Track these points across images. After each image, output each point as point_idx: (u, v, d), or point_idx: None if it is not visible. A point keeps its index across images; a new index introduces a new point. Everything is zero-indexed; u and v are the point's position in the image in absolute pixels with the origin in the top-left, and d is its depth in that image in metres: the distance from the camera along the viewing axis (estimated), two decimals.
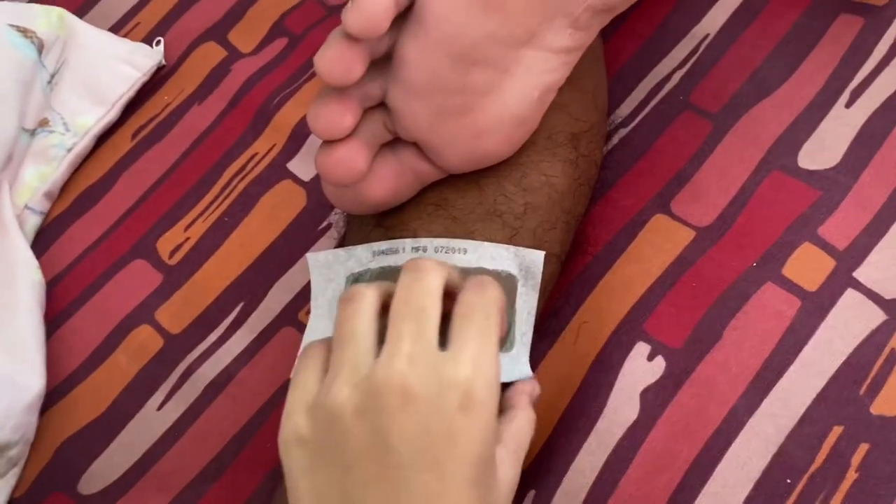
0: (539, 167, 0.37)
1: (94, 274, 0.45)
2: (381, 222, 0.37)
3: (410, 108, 0.32)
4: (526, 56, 0.33)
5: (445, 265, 0.30)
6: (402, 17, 0.31)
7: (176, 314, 0.44)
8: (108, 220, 0.47)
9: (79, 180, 0.48)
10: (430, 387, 0.27)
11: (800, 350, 0.38)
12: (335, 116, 0.31)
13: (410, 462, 0.27)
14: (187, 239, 0.46)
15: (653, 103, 0.45)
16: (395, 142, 0.35)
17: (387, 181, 0.35)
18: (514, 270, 0.35)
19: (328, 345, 0.30)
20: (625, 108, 0.45)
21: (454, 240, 0.35)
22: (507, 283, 0.35)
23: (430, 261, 0.30)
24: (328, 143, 0.33)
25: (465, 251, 0.35)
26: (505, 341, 0.35)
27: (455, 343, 0.28)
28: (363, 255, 0.36)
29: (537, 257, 0.35)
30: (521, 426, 0.32)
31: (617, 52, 0.47)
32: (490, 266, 0.35)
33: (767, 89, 0.45)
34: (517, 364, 0.35)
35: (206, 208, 0.47)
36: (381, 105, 0.34)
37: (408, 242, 0.35)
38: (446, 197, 0.36)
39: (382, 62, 0.32)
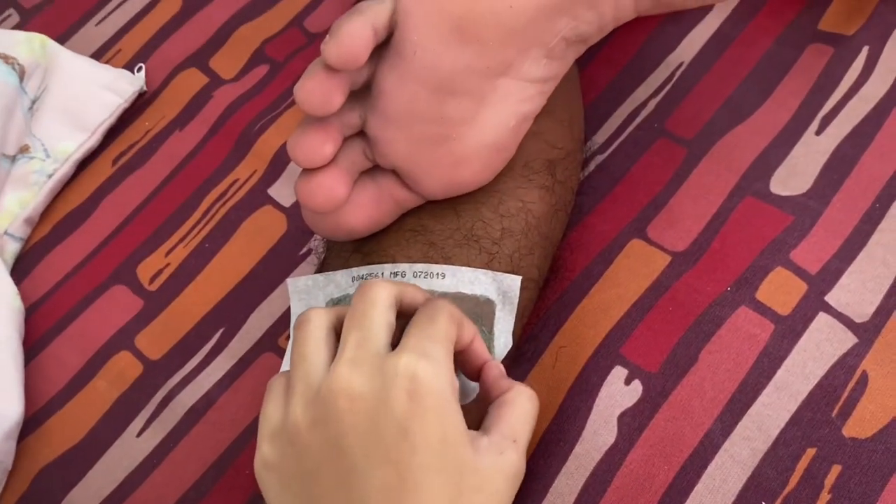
0: (516, 193, 0.37)
1: (74, 300, 0.45)
2: (360, 248, 0.37)
3: (389, 136, 0.33)
4: (502, 86, 0.33)
5: (398, 283, 0.31)
6: (381, 49, 0.32)
7: (156, 340, 0.44)
8: (89, 246, 0.47)
9: (59, 206, 0.48)
10: (374, 384, 0.28)
11: (773, 373, 0.38)
12: (315, 145, 0.32)
13: (365, 460, 0.27)
14: (168, 265, 0.46)
15: (628, 130, 0.46)
16: (374, 169, 0.35)
17: (366, 208, 0.35)
18: (492, 295, 0.36)
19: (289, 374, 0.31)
20: (601, 135, 0.46)
21: (433, 265, 0.35)
22: (485, 308, 0.36)
23: (379, 279, 0.31)
24: (308, 170, 0.33)
25: (444, 276, 0.35)
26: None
27: (400, 343, 0.29)
28: (342, 281, 0.37)
29: (514, 282, 0.36)
30: (515, 410, 0.31)
31: (592, 80, 0.48)
32: (468, 290, 0.36)
33: (741, 116, 0.46)
34: None
35: (187, 234, 0.47)
36: (361, 133, 0.34)
37: (386, 267, 0.36)
38: (424, 223, 0.36)
39: (362, 91, 0.33)
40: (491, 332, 0.36)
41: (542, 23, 0.32)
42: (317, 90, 0.30)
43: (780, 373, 0.38)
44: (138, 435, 0.41)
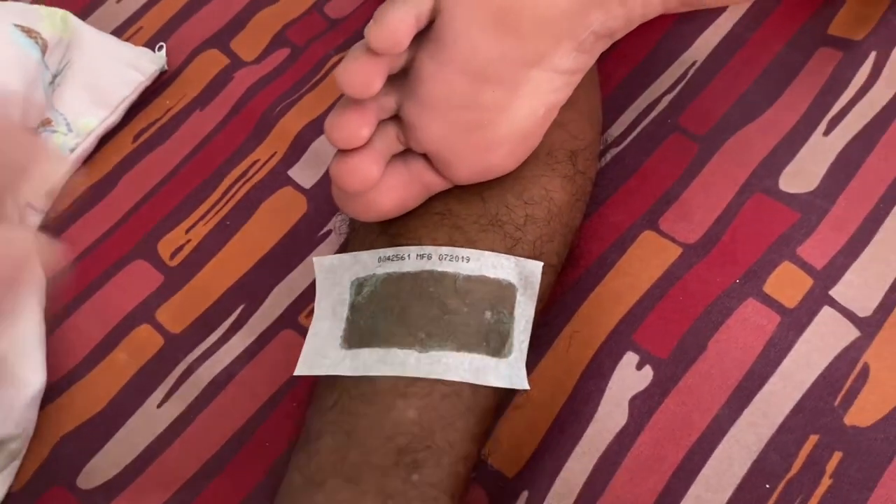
0: (539, 182, 0.38)
1: (95, 273, 0.46)
2: (387, 229, 0.38)
3: (424, 121, 0.34)
4: (534, 76, 0.34)
5: None
6: (421, 36, 0.33)
7: (176, 314, 0.44)
8: (110, 221, 0.48)
9: (81, 180, 0.49)
10: None
11: (779, 363, 0.40)
12: (353, 127, 0.33)
13: None
14: (188, 241, 0.47)
15: (643, 125, 0.47)
16: (405, 153, 0.36)
17: (396, 190, 0.36)
18: (513, 279, 0.37)
19: None
20: (616, 129, 0.47)
21: (458, 248, 0.36)
22: (507, 292, 0.37)
23: None
24: (343, 152, 0.34)
25: (469, 259, 0.37)
26: (503, 347, 0.36)
27: None
28: (369, 261, 0.38)
29: (536, 268, 0.37)
30: None
31: (609, 76, 0.49)
32: (491, 274, 0.37)
33: (752, 115, 0.47)
34: (514, 369, 0.36)
35: (208, 212, 0.47)
36: (395, 117, 0.35)
37: (413, 249, 0.37)
38: (451, 207, 0.37)
39: (398, 77, 0.34)
40: (511, 315, 0.37)
41: (577, 16, 0.33)
42: (359, 73, 0.31)
43: (785, 362, 0.40)
44: (159, 406, 0.42)
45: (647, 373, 0.40)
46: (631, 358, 0.40)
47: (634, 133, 0.47)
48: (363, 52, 0.31)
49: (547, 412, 0.39)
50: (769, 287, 0.42)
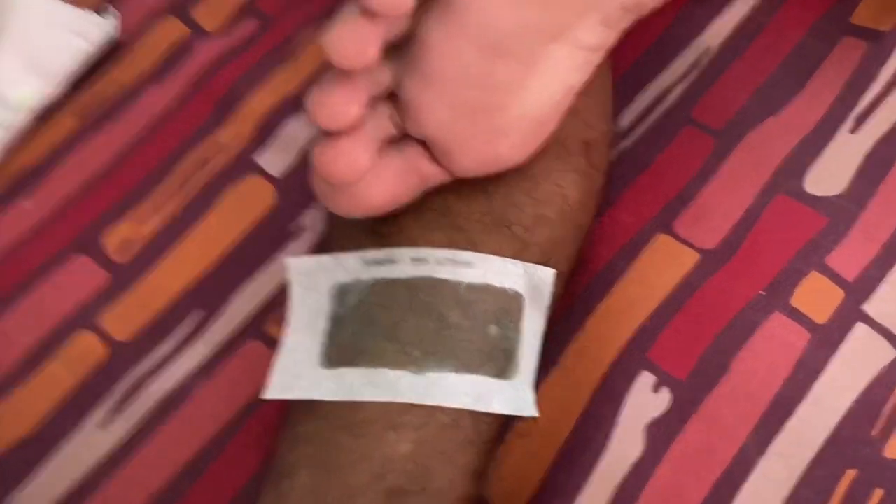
0: (551, 176, 0.34)
1: (27, 269, 0.40)
2: (376, 228, 0.33)
3: (426, 100, 0.29)
4: (554, 52, 0.29)
5: None
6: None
7: (123, 320, 0.38)
8: (47, 208, 0.41)
9: (14, 161, 0.42)
10: None
11: (810, 385, 0.36)
12: (341, 104, 0.27)
13: None
14: (139, 234, 0.41)
15: (654, 116, 0.43)
16: (399, 138, 0.31)
17: (388, 182, 0.31)
18: (521, 289, 0.32)
19: None
20: (625, 119, 0.43)
21: (459, 252, 0.31)
22: (513, 303, 0.32)
23: None
24: (328, 134, 0.29)
25: (471, 264, 0.31)
26: (509, 367, 0.31)
27: None
28: (353, 265, 0.32)
29: (547, 275, 0.32)
30: None
31: (617, 60, 0.44)
32: (496, 283, 0.32)
33: (772, 108, 0.43)
34: (519, 393, 0.31)
35: (162, 201, 0.42)
36: (390, 96, 0.30)
37: (406, 252, 0.32)
38: (450, 204, 0.32)
39: (397, 48, 0.29)
40: (518, 329, 0.32)
41: None
42: (351, 38, 0.26)
43: (817, 386, 0.36)
44: (101, 426, 0.36)
45: (665, 396, 0.36)
46: (646, 378, 0.36)
47: (645, 125, 0.43)
48: (357, 14, 0.26)
49: (553, 440, 0.35)
50: (797, 300, 0.37)
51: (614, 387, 0.36)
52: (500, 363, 0.31)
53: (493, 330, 0.31)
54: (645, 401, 0.35)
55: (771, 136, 0.42)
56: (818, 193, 0.40)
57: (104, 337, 0.38)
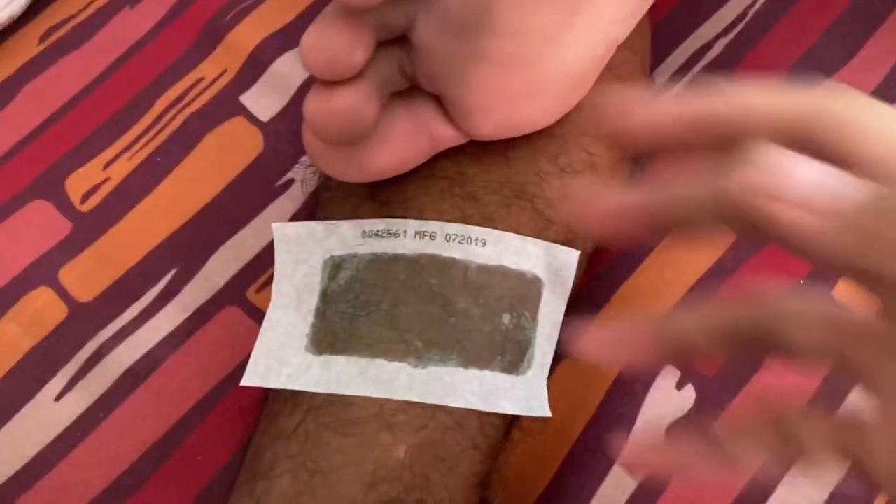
0: (581, 142, 0.29)
1: None
2: (376, 194, 0.28)
3: (444, 47, 0.24)
4: None
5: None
6: None
7: (86, 276, 0.34)
8: (3, 145, 0.37)
9: None
10: None
11: (849, 388, 0.32)
12: (341, 48, 0.23)
13: None
14: (106, 179, 0.36)
15: (693, 72, 0.38)
16: (409, 92, 0.26)
17: (393, 143, 0.26)
18: (540, 272, 0.28)
19: None
20: (660, 75, 0.38)
21: (471, 227, 0.27)
22: (531, 288, 0.28)
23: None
24: (324, 84, 0.24)
25: (485, 243, 0.27)
26: (522, 361, 0.28)
27: None
28: (349, 235, 0.28)
29: (570, 258, 0.28)
30: None
31: (653, 8, 0.39)
32: (513, 264, 0.28)
33: (822, 72, 0.38)
34: (533, 391, 0.28)
35: (134, 142, 0.37)
36: (399, 40, 0.25)
37: (411, 224, 0.27)
38: (464, 170, 0.28)
39: None
40: (534, 318, 0.28)
41: None
42: None
43: (857, 390, 0.32)
44: (57, 398, 0.32)
45: (689, 393, 0.32)
46: (669, 374, 0.32)
47: (683, 82, 0.38)
48: None
49: (562, 440, 0.31)
50: (840, 292, 0.34)
51: (634, 382, 0.32)
52: (512, 357, 0.27)
53: (506, 319, 0.27)
54: (667, 398, 0.32)
55: None
56: None
57: (64, 296, 0.34)
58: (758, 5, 0.40)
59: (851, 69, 0.39)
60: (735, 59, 0.39)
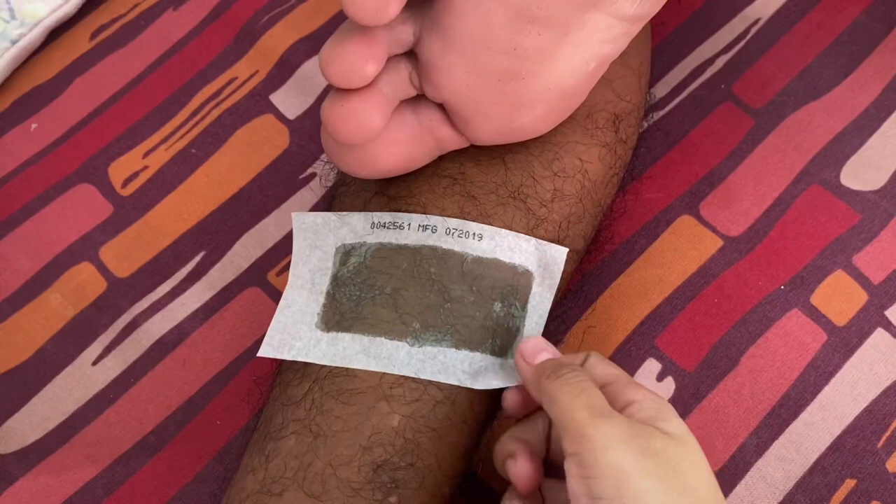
0: (575, 150, 0.32)
1: (31, 193, 0.39)
2: (385, 189, 0.31)
3: (447, 63, 0.27)
4: (591, 21, 0.27)
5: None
6: None
7: (124, 254, 0.38)
8: (54, 132, 0.40)
9: (22, 79, 0.41)
10: None
11: (820, 389, 0.34)
12: (355, 61, 0.26)
13: None
14: (145, 167, 0.40)
15: (691, 88, 0.41)
16: (416, 100, 0.29)
17: (401, 145, 0.29)
18: (531, 266, 0.31)
19: None
20: (660, 89, 0.41)
21: (469, 222, 0.30)
22: (522, 281, 0.31)
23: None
24: (340, 91, 0.27)
25: (481, 237, 0.30)
26: (511, 346, 0.30)
27: None
28: (359, 225, 0.31)
29: (559, 254, 0.31)
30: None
31: (657, 26, 0.42)
32: (506, 258, 0.30)
33: (816, 91, 0.40)
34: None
35: (171, 134, 0.40)
36: (409, 54, 0.28)
37: (415, 218, 0.30)
38: (465, 171, 0.31)
39: (418, 2, 0.27)
40: (524, 309, 0.31)
41: None
42: None
43: (826, 390, 0.34)
44: (94, 363, 0.36)
45: (669, 385, 0.35)
46: (652, 366, 0.35)
47: (681, 96, 0.40)
48: None
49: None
50: (817, 298, 0.36)
51: None
52: (501, 342, 0.30)
53: (497, 307, 0.30)
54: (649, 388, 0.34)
55: (812, 121, 0.40)
56: (854, 187, 0.38)
57: (103, 271, 0.37)
58: (760, 24, 0.42)
59: (844, 88, 0.41)
60: (735, 75, 0.41)
